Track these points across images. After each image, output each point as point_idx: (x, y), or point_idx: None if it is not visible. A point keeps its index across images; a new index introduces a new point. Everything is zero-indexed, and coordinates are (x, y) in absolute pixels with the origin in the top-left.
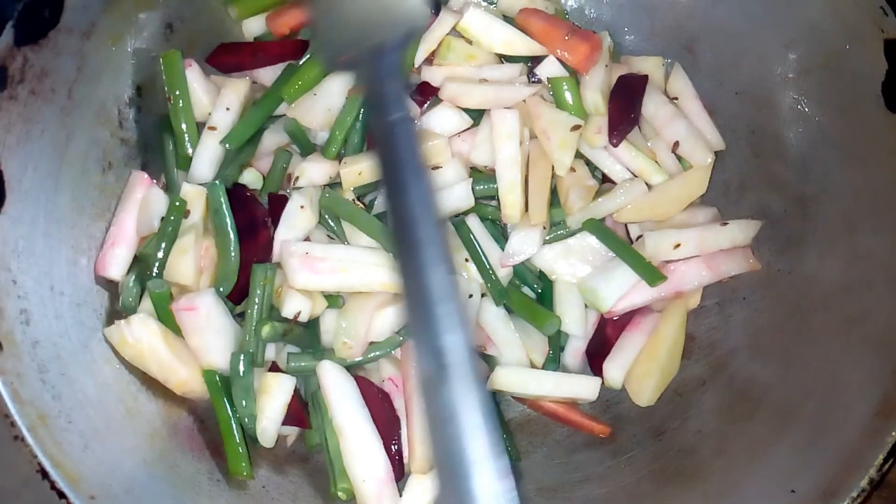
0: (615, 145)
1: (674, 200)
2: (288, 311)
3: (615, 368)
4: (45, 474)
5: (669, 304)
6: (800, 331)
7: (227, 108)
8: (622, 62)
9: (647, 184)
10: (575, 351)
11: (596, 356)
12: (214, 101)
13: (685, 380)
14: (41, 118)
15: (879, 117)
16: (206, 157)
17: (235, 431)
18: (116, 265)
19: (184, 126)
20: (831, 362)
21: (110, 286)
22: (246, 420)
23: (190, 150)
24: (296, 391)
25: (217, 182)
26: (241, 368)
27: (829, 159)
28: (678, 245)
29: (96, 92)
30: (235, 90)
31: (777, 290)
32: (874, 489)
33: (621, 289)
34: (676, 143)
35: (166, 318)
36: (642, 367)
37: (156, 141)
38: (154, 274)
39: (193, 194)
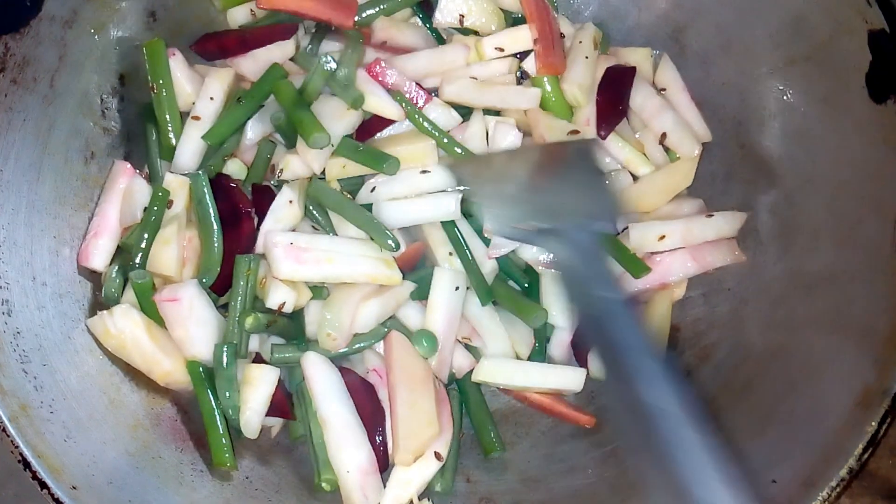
0: (603, 137)
1: (660, 192)
2: (272, 302)
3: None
4: (26, 465)
5: (654, 295)
6: (784, 322)
7: (212, 98)
8: (610, 53)
9: (633, 175)
10: (560, 342)
11: (581, 347)
12: (198, 91)
13: None
14: (23, 107)
15: (864, 108)
16: (190, 147)
17: (219, 423)
18: (99, 255)
19: (167, 116)
20: (814, 353)
21: (93, 277)
22: (230, 411)
23: (174, 141)
24: (280, 382)
25: (200, 172)
26: (225, 360)
27: (815, 150)
28: (663, 237)
29: (78, 81)
30: (220, 79)
31: (762, 281)
32: (854, 478)
33: None
34: (664, 135)
35: (149, 308)
36: None
37: (139, 130)
38: (136, 265)
39: (177, 184)
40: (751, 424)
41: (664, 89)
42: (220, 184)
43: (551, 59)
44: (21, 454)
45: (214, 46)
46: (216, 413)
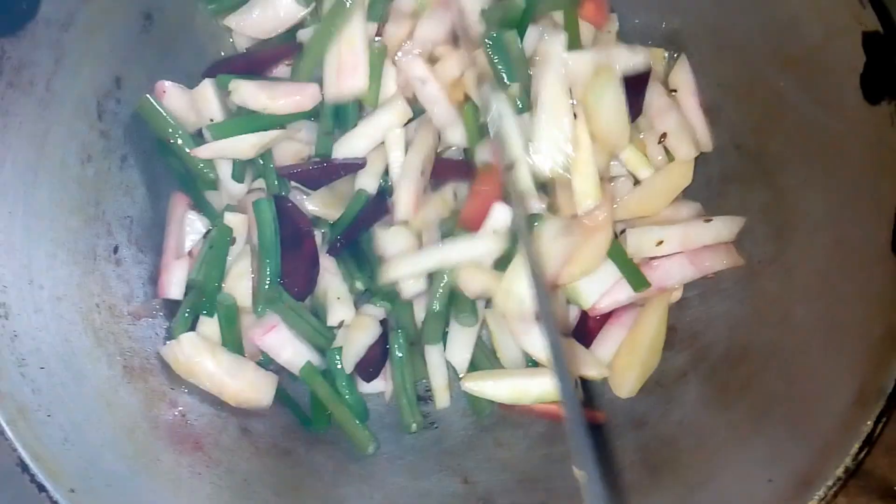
0: None
1: (660, 195)
2: (332, 320)
3: (590, 367)
4: (24, 467)
5: (651, 297)
6: (780, 322)
7: (212, 120)
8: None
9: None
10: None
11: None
12: (202, 109)
13: (667, 371)
14: (19, 110)
15: (858, 109)
16: (227, 175)
17: (350, 413)
18: (176, 286)
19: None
20: (810, 353)
21: (92, 279)
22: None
23: (211, 176)
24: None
25: (265, 199)
26: (339, 363)
27: (810, 151)
28: (661, 242)
29: (75, 84)
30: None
31: (758, 281)
32: (850, 477)
33: (603, 286)
34: (664, 135)
35: (231, 329)
36: (623, 360)
37: (136, 133)
38: (206, 301)
39: (237, 221)
40: (747, 424)
41: (675, 90)
42: (278, 206)
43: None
44: (19, 457)
45: (225, 72)
46: (345, 405)
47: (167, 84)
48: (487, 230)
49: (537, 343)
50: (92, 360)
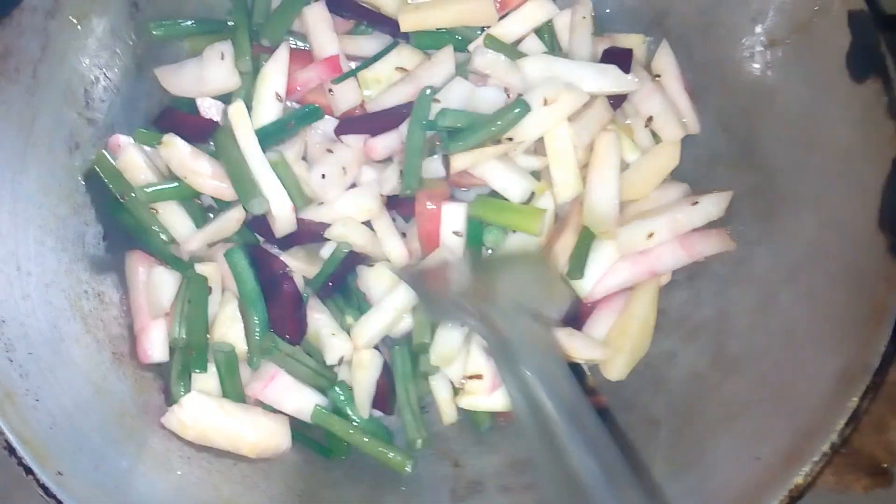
0: None
1: (648, 177)
2: (331, 359)
3: (588, 351)
4: (11, 451)
5: (642, 281)
6: (768, 303)
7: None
8: (605, 38)
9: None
10: None
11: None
12: (155, 170)
13: (656, 353)
14: (6, 98)
15: (844, 88)
16: (185, 228)
17: (371, 441)
18: (157, 348)
19: (147, 218)
20: (797, 332)
21: (80, 266)
22: (347, 409)
23: (164, 237)
24: (384, 374)
25: (235, 248)
26: (342, 396)
27: (797, 131)
28: (651, 234)
29: (62, 72)
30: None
31: (746, 263)
32: (836, 453)
33: (598, 273)
34: (650, 119)
35: (232, 378)
36: (614, 343)
37: (124, 121)
38: (196, 356)
39: (210, 270)
40: (735, 404)
41: (659, 75)
42: (248, 254)
43: None
44: (6, 440)
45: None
46: (363, 434)
47: (122, 139)
48: (446, 235)
49: None
50: (80, 347)
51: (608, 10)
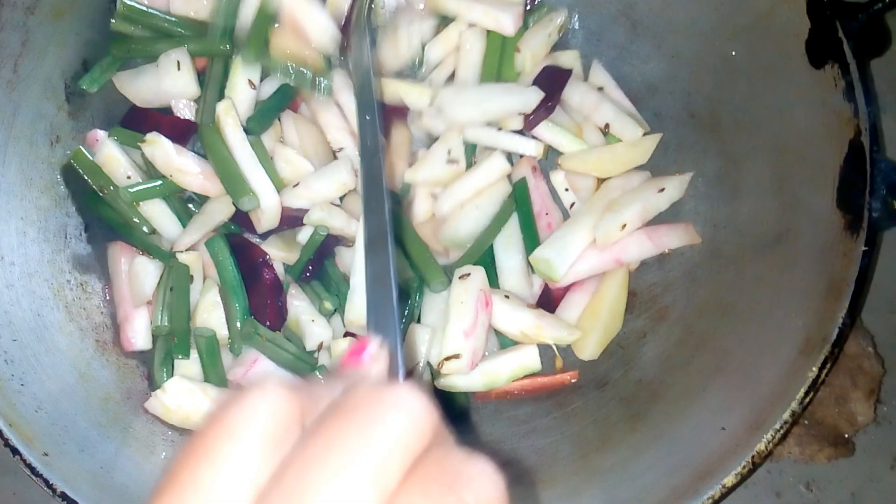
0: (529, 129)
1: (618, 161)
2: (311, 344)
3: (560, 330)
4: None
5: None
6: (734, 281)
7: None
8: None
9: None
10: None
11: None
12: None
13: (627, 333)
14: None
15: (804, 74)
16: (167, 220)
17: None
18: (140, 337)
19: (127, 209)
20: (760, 308)
21: (63, 256)
22: None
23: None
24: None
25: (217, 236)
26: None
27: (759, 116)
28: (624, 225)
29: (42, 66)
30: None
31: (713, 244)
32: (796, 421)
33: (570, 259)
34: (607, 125)
35: (213, 362)
36: (586, 324)
37: (104, 115)
38: (178, 342)
39: (191, 259)
40: (702, 380)
41: (601, 88)
42: (229, 243)
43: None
44: None
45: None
46: None
47: (100, 133)
48: None
49: (503, 316)
50: (64, 335)
51: (574, 4)
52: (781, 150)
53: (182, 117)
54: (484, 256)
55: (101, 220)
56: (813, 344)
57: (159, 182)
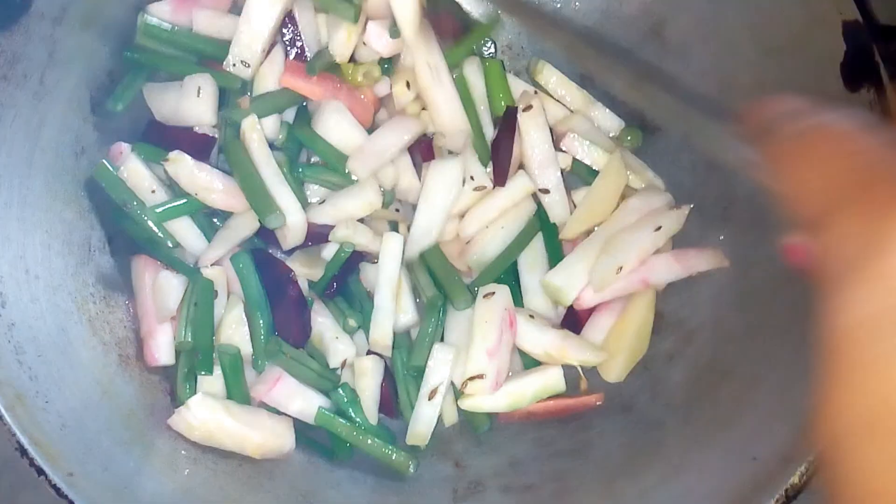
0: (502, 185)
1: (606, 198)
2: (335, 362)
3: (585, 352)
4: (23, 452)
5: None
6: (763, 304)
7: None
8: None
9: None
10: None
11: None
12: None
13: (654, 355)
14: (13, 103)
15: (839, 97)
16: (192, 234)
17: (373, 441)
18: (164, 351)
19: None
20: (792, 333)
21: (87, 269)
22: (351, 411)
23: (171, 243)
24: (386, 377)
25: (242, 251)
26: (346, 397)
27: None
28: (621, 267)
29: (68, 78)
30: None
31: (742, 266)
32: None
33: (581, 284)
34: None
35: (237, 380)
36: (612, 346)
37: (129, 125)
38: (201, 358)
39: (216, 274)
40: (733, 405)
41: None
42: (254, 258)
43: None
44: (18, 442)
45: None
46: (366, 436)
47: (124, 147)
48: None
49: (528, 336)
50: (88, 349)
51: (601, 19)
52: None
53: (201, 132)
54: (508, 275)
55: (125, 233)
56: None
57: (184, 200)
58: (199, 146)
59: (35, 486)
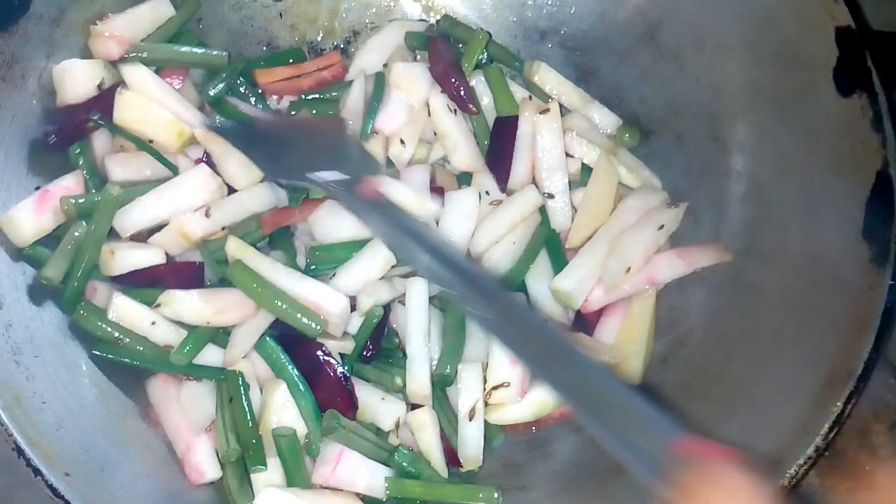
0: (503, 191)
1: (602, 200)
2: (388, 424)
3: (601, 353)
4: (20, 452)
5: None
6: (755, 309)
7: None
8: None
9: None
10: None
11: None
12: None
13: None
14: (11, 105)
15: (831, 102)
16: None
17: (462, 490)
18: (209, 466)
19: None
20: (783, 337)
21: None
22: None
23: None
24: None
25: (266, 339)
26: (405, 462)
27: (785, 142)
28: (629, 268)
29: None
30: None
31: (735, 270)
32: (820, 456)
33: (587, 286)
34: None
35: (296, 463)
36: (624, 349)
37: None
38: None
39: (243, 366)
40: (723, 407)
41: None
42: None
43: None
44: (15, 442)
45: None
46: (443, 485)
47: (98, 284)
48: None
49: None
50: (83, 350)
51: (596, 23)
52: (807, 178)
53: (180, 261)
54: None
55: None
56: (837, 377)
57: (200, 333)
58: (185, 276)
59: (31, 487)
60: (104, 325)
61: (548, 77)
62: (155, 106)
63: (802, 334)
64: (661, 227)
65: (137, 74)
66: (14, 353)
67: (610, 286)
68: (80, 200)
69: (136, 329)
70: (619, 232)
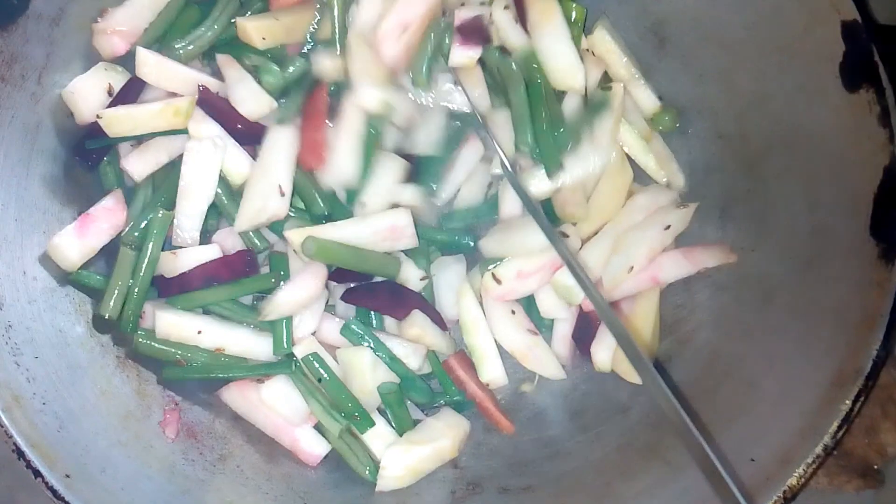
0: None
1: (612, 196)
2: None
3: (602, 351)
4: (20, 454)
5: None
6: (762, 307)
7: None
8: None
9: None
10: (562, 337)
11: (583, 341)
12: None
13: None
14: (11, 104)
15: (837, 96)
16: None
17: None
18: (318, 445)
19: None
20: (791, 335)
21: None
22: None
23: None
24: None
25: (351, 321)
26: None
27: (791, 138)
28: (632, 267)
29: (66, 78)
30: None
31: (741, 267)
32: (829, 455)
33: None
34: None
35: (402, 411)
36: None
37: None
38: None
39: (310, 345)
40: (730, 405)
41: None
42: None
43: None
44: (15, 444)
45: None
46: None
47: (147, 307)
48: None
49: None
50: (85, 350)
51: (607, 18)
52: (813, 173)
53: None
54: None
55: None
56: (846, 376)
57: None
58: (241, 267)
59: (32, 488)
60: (164, 348)
61: (601, 40)
62: (135, 108)
63: (810, 332)
64: (668, 227)
65: (148, 60)
66: (14, 354)
67: (611, 284)
68: (135, 234)
69: (185, 340)
70: (625, 230)
